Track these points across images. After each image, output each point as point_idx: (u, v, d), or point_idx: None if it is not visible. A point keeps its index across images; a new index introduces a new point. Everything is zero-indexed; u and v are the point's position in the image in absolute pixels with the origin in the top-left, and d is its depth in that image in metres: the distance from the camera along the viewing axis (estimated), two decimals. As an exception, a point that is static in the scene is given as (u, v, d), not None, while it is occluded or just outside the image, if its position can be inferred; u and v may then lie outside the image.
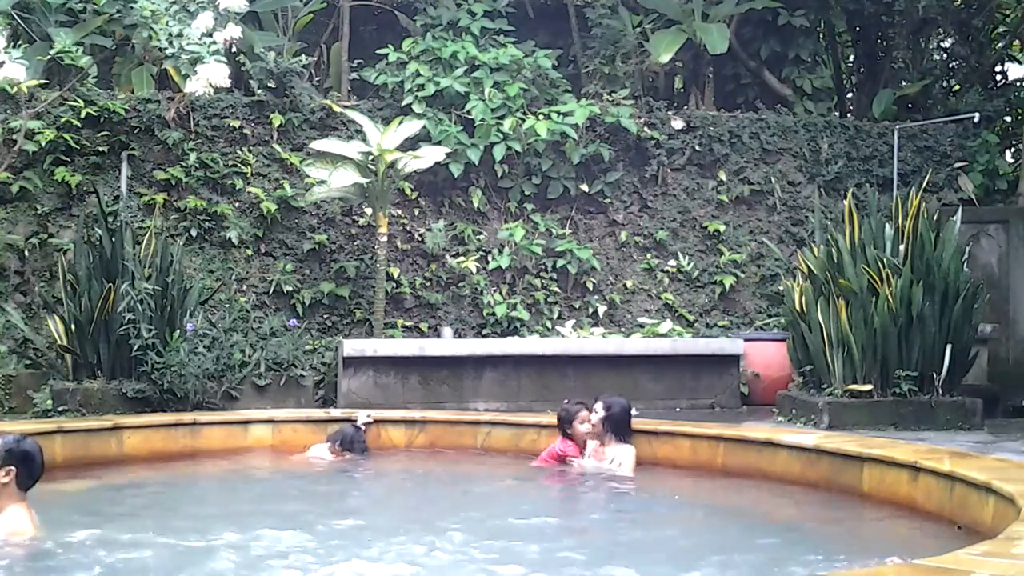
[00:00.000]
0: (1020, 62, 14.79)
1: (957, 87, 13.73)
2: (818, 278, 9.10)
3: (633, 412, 7.54)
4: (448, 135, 10.73)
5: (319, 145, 10.03)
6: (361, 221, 10.81)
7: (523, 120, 10.96)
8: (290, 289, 10.45)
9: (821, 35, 13.69)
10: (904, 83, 13.36)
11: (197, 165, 10.32)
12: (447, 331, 10.48)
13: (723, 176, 11.82)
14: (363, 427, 7.76)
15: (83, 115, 9.93)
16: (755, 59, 12.83)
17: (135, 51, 10.32)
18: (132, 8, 9.20)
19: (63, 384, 8.80)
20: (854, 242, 8.95)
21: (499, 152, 10.85)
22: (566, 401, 7.64)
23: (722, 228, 11.69)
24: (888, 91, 13.06)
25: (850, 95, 14.30)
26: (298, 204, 10.58)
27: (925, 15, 12.98)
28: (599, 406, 7.26)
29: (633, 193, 11.64)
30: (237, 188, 10.49)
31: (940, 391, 8.76)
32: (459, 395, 9.85)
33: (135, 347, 8.72)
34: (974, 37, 13.56)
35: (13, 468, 4.88)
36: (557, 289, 11.22)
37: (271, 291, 10.43)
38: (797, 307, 9.27)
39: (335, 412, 8.38)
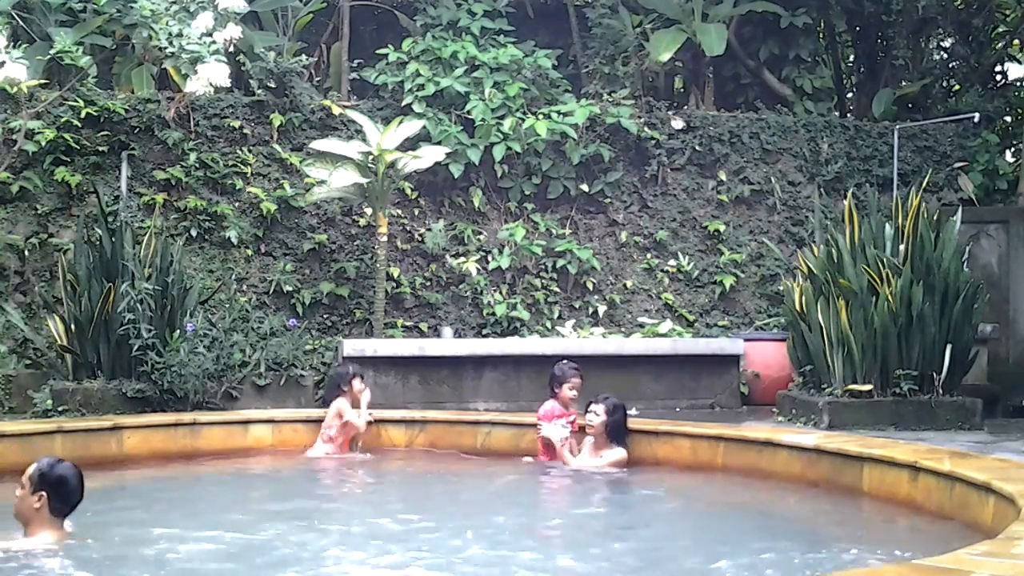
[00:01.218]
0: (1020, 62, 14.79)
1: (957, 87, 13.73)
2: (818, 278, 9.10)
3: (633, 412, 7.54)
4: (448, 135, 10.73)
5: (319, 145, 10.03)
6: (361, 221, 10.80)
7: (523, 120, 10.95)
8: (290, 289, 10.45)
9: (821, 35, 13.68)
10: (904, 83, 13.36)
11: (197, 165, 10.32)
12: (447, 331, 10.48)
13: (723, 176, 11.81)
14: (341, 361, 7.86)
15: (83, 115, 9.92)
16: (755, 59, 12.82)
17: (135, 51, 10.31)
18: (132, 8, 9.21)
19: (63, 384, 8.79)
20: (854, 242, 8.95)
21: (499, 152, 10.84)
22: (564, 362, 7.68)
23: (722, 228, 11.68)
24: (888, 91, 13.05)
25: (850, 95, 14.28)
26: (298, 204, 10.57)
27: (925, 15, 12.98)
28: (600, 409, 7.22)
29: (633, 193, 11.64)
30: (237, 188, 10.49)
31: (940, 391, 8.75)
32: (459, 395, 9.86)
33: (135, 347, 8.72)
34: (974, 37, 13.56)
35: (44, 494, 4.56)
36: (557, 289, 11.21)
37: (271, 291, 10.43)
38: (797, 307, 9.27)
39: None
